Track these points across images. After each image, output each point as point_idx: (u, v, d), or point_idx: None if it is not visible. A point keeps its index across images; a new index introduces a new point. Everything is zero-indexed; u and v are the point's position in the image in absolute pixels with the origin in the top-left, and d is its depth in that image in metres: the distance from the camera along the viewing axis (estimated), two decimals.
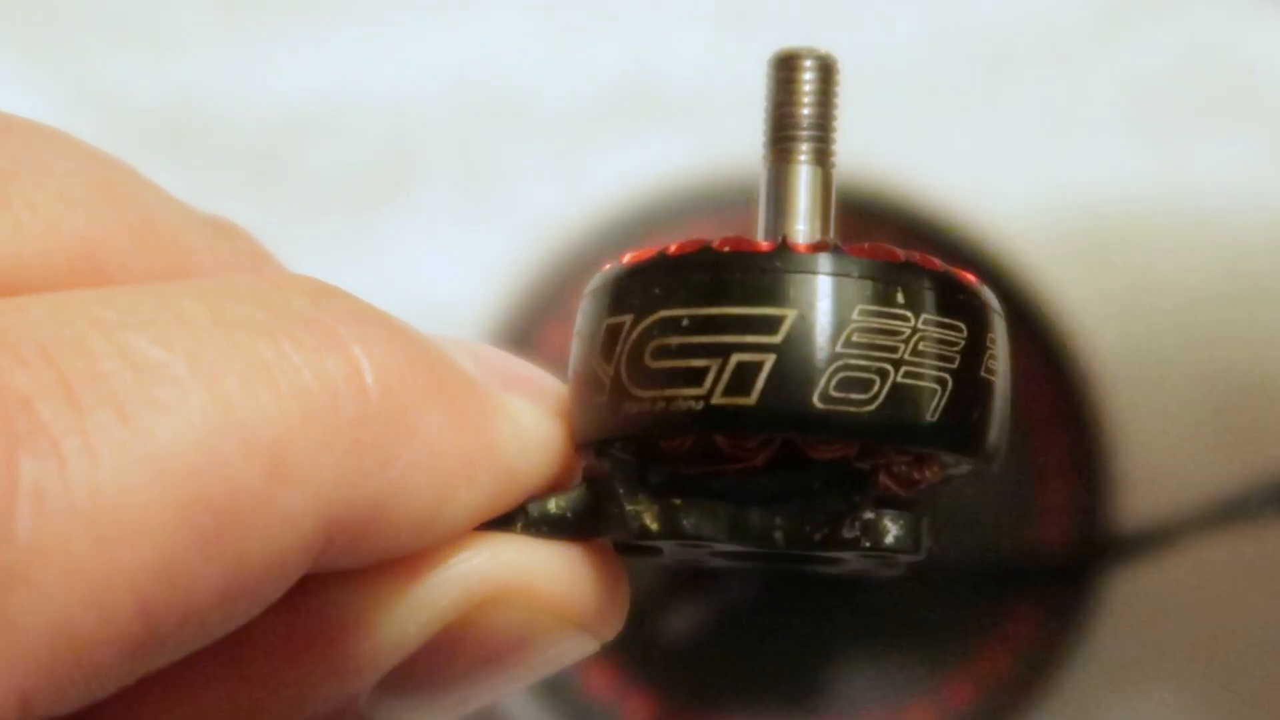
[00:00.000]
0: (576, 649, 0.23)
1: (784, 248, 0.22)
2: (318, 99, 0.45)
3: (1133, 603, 0.42)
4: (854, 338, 0.22)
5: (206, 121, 0.45)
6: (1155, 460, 0.42)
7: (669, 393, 0.22)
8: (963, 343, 0.22)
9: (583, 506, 0.23)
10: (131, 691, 0.20)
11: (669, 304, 0.22)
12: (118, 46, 0.45)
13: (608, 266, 0.23)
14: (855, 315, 0.22)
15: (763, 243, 0.22)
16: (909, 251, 0.22)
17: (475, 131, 0.45)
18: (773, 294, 0.22)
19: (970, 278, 0.23)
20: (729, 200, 0.42)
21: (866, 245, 0.22)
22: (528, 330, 0.41)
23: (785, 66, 0.24)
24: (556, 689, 0.39)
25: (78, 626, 0.18)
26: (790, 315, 0.22)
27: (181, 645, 0.19)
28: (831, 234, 0.24)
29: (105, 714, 0.20)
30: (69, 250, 0.21)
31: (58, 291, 0.20)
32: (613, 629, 0.23)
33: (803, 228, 0.24)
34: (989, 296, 0.23)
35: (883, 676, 0.40)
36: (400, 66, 0.45)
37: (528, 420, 0.23)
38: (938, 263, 0.22)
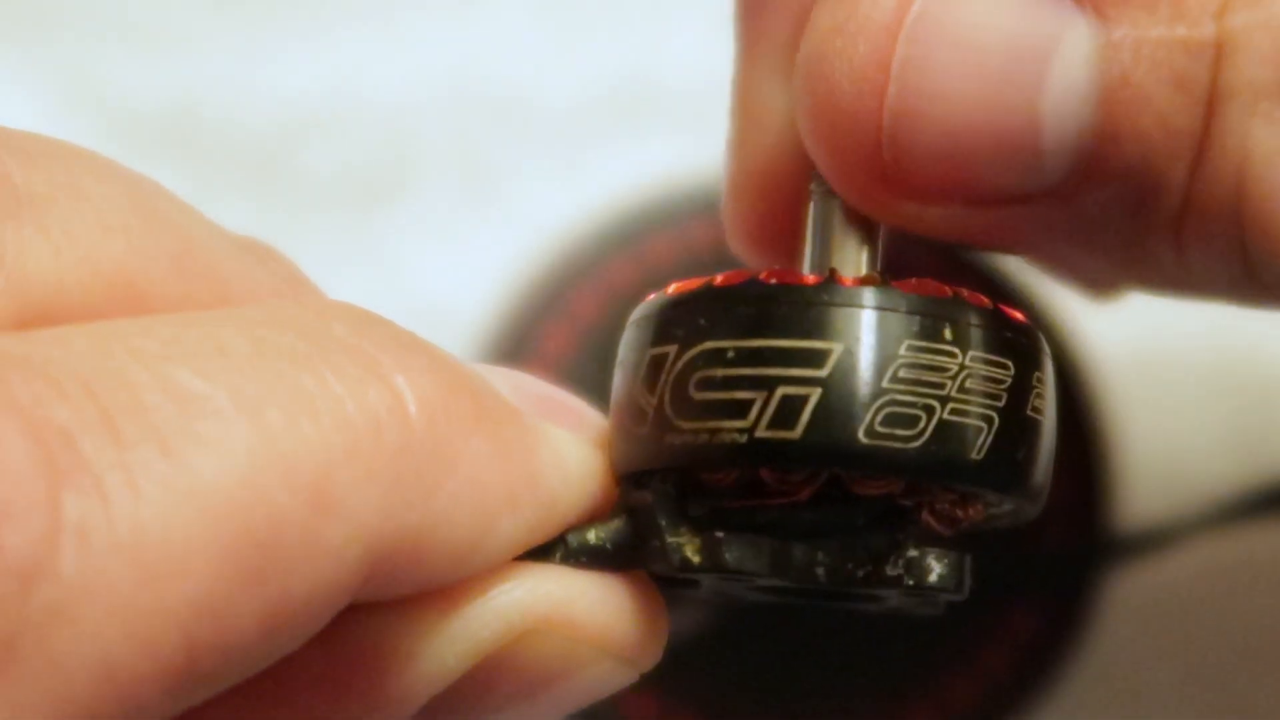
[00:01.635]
0: (615, 679, 0.23)
1: (830, 281, 0.22)
2: (318, 100, 0.45)
3: (1133, 603, 0.42)
4: (900, 373, 0.22)
5: (207, 122, 0.45)
6: (1155, 460, 0.42)
7: (712, 424, 0.22)
8: (1010, 380, 0.22)
9: (622, 538, 0.23)
10: None
11: (714, 335, 0.22)
12: (118, 47, 0.45)
13: (653, 296, 0.23)
14: (902, 350, 0.22)
15: (809, 275, 0.22)
16: (957, 287, 0.22)
17: (475, 132, 0.45)
18: (819, 327, 0.22)
19: (1019, 316, 0.23)
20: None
21: (914, 280, 0.22)
22: (527, 331, 0.41)
23: None
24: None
25: (122, 663, 0.18)
26: (836, 349, 0.22)
27: (224, 679, 0.19)
28: (878, 266, 0.24)
29: None
30: (108, 277, 0.21)
31: (98, 322, 0.20)
32: (652, 659, 0.23)
33: (850, 260, 0.24)
34: (1037, 335, 0.23)
35: (882, 676, 0.40)
36: (400, 67, 0.45)
37: (569, 450, 0.22)
38: (986, 300, 0.22)
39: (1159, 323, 0.42)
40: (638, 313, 0.23)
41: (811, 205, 0.24)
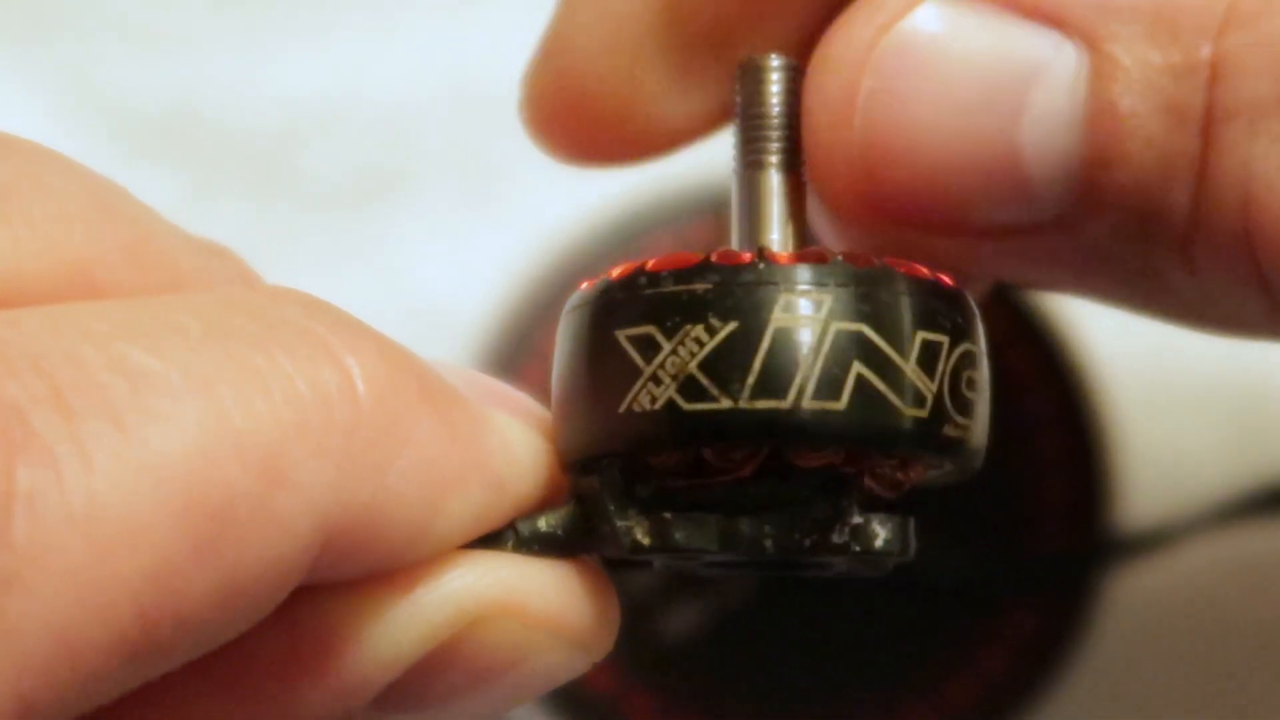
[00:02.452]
0: (569, 667, 0.23)
1: (762, 258, 0.22)
2: (317, 100, 0.45)
3: (1133, 603, 0.42)
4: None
5: (207, 122, 0.45)
6: (1155, 460, 0.42)
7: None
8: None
9: (572, 524, 0.23)
10: (126, 706, 0.20)
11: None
12: (118, 47, 0.45)
13: (585, 285, 0.23)
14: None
15: (743, 254, 0.22)
16: (885, 257, 0.22)
17: (475, 132, 0.45)
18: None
19: (949, 281, 0.23)
20: (729, 203, 0.42)
21: (842, 253, 0.22)
22: (526, 331, 0.41)
23: (753, 72, 0.25)
24: (557, 688, 0.39)
25: (76, 631, 0.18)
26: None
27: (179, 652, 0.19)
28: (806, 241, 0.24)
29: None
30: (66, 266, 0.21)
31: (51, 305, 0.20)
32: (605, 646, 0.23)
33: (776, 235, 0.24)
34: (967, 300, 0.23)
35: (881, 676, 0.40)
36: (400, 67, 0.45)
37: (515, 435, 0.23)
38: (920, 269, 0.23)
39: (1159, 323, 0.42)
40: (573, 300, 0.24)
41: (736, 179, 0.25)
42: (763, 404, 0.22)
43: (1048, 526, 0.41)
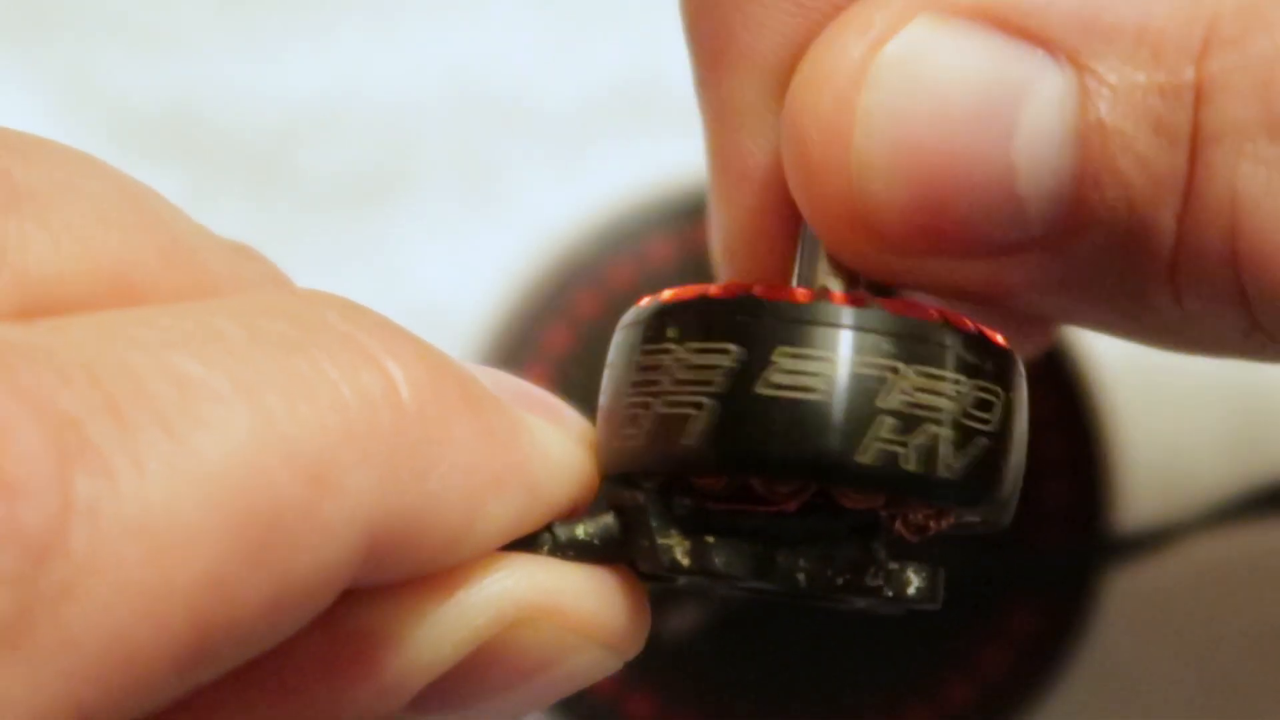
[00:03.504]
0: (602, 667, 0.23)
1: (822, 299, 0.22)
2: (317, 100, 0.45)
3: (1133, 603, 0.42)
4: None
5: (207, 122, 0.45)
6: (1155, 460, 0.42)
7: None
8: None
9: (610, 535, 0.23)
10: (177, 709, 0.20)
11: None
12: (118, 47, 0.45)
13: (647, 300, 0.23)
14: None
15: (800, 291, 0.22)
16: (942, 309, 0.23)
17: (475, 132, 0.45)
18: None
19: (999, 339, 0.23)
20: None
21: (900, 300, 0.22)
22: (527, 331, 0.41)
23: None
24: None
25: (132, 638, 0.18)
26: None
27: (229, 657, 0.20)
28: (863, 279, 0.24)
29: None
30: (104, 270, 0.21)
31: (98, 312, 0.20)
32: (636, 647, 0.24)
33: (841, 275, 0.24)
34: (1015, 359, 0.23)
35: (881, 676, 0.40)
36: (400, 67, 0.45)
37: (551, 440, 0.23)
38: (969, 323, 0.23)
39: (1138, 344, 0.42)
40: (630, 316, 0.23)
41: (802, 234, 0.25)
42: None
43: (1048, 526, 0.41)
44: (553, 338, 0.41)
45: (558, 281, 0.41)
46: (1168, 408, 0.43)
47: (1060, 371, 0.41)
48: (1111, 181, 0.23)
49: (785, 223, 0.26)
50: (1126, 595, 0.42)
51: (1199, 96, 0.22)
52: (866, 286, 0.24)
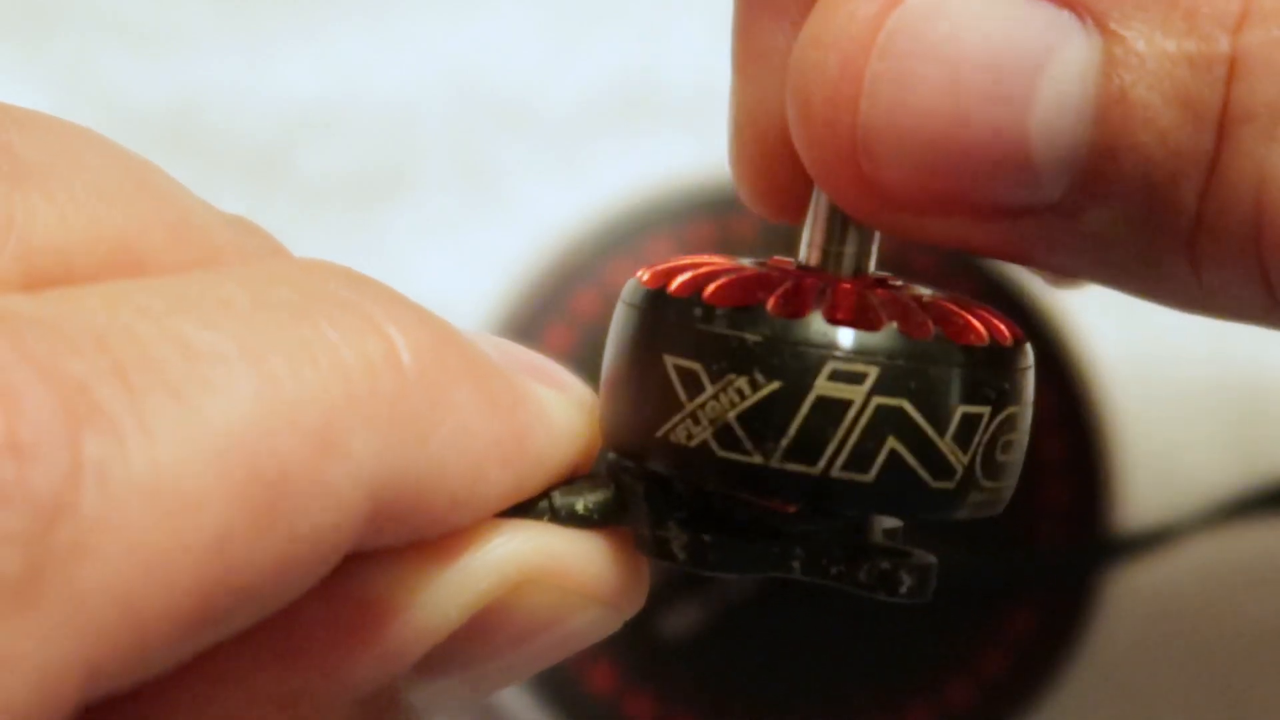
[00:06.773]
0: (603, 626, 0.24)
1: (819, 314, 0.22)
2: (318, 100, 0.45)
3: (1133, 603, 0.42)
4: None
5: (207, 122, 0.45)
6: (1155, 460, 0.43)
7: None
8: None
9: (609, 509, 0.23)
10: (184, 675, 0.20)
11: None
12: (118, 47, 0.45)
13: (643, 275, 0.23)
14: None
15: (800, 304, 0.22)
16: (940, 323, 0.22)
17: (475, 132, 0.45)
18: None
19: (1007, 336, 0.23)
20: (728, 203, 0.42)
21: (899, 320, 0.22)
22: (528, 331, 0.41)
23: None
24: (557, 687, 0.39)
25: (141, 598, 0.19)
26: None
27: (235, 620, 0.20)
28: (873, 261, 0.24)
29: (159, 695, 0.20)
30: (110, 242, 0.22)
31: (104, 282, 0.21)
32: (636, 606, 0.24)
33: (849, 251, 0.24)
34: (1023, 354, 0.23)
35: (881, 676, 0.40)
36: (400, 67, 0.45)
37: (553, 406, 0.23)
38: (977, 330, 0.22)
39: (1159, 323, 0.42)
40: (630, 293, 0.23)
41: (815, 189, 0.24)
42: (793, 467, 0.22)
43: (1048, 526, 0.41)
44: (553, 338, 0.41)
45: (558, 281, 0.41)
46: (1168, 408, 0.43)
47: (1060, 371, 0.41)
48: (1131, 156, 0.22)
49: (806, 175, 0.25)
50: (1126, 595, 0.42)
51: (1232, 71, 0.22)
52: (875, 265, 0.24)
